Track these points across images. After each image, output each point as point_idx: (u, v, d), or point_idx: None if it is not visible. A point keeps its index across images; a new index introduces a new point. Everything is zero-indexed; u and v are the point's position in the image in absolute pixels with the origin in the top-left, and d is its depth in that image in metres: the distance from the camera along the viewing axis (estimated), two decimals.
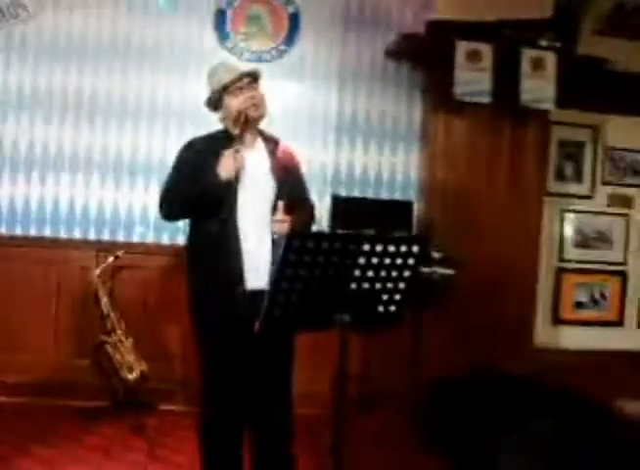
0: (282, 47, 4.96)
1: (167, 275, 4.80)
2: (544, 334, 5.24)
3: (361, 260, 2.72)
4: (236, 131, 3.24)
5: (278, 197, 3.24)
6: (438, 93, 4.83)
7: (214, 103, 3.34)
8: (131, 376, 4.51)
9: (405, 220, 4.79)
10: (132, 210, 4.91)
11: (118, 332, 4.53)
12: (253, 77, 3.31)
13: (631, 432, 3.94)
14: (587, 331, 5.37)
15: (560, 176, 5.36)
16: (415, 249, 2.80)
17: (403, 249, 2.79)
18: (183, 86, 4.89)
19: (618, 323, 5.44)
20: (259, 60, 4.90)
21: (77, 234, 4.90)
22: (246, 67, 3.41)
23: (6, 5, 4.83)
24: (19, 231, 4.89)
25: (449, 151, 4.88)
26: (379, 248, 2.74)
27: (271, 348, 3.27)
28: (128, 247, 4.71)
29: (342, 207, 4.81)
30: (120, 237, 4.91)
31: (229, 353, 3.24)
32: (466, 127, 4.87)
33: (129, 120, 4.89)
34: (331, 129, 4.98)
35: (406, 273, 2.82)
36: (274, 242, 3.23)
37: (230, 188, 3.16)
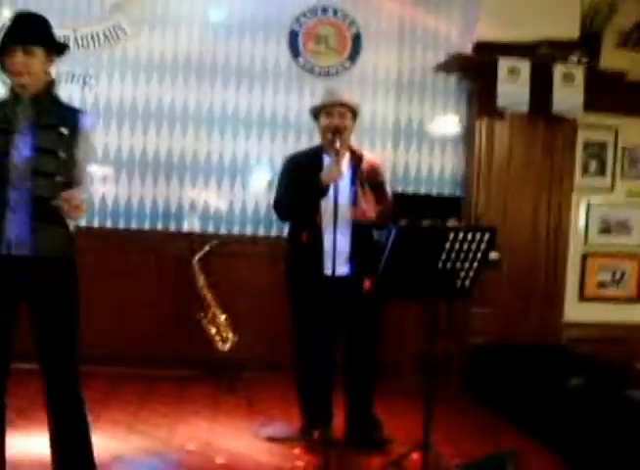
0: (346, 63, 5.72)
1: (256, 262, 5.60)
2: (572, 310, 5.96)
3: (447, 245, 3.52)
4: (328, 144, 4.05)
5: (355, 203, 4.04)
6: (482, 102, 5.59)
7: (313, 115, 4.16)
8: (225, 346, 5.33)
9: (455, 213, 5.53)
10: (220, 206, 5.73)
11: (214, 310, 5.35)
12: (348, 108, 4.06)
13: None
14: (609, 307, 6.06)
15: (585, 172, 5.99)
16: (486, 237, 3.61)
17: (478, 237, 3.59)
18: (262, 98, 5.64)
19: (636, 300, 6.13)
20: (327, 74, 5.68)
21: (173, 227, 5.72)
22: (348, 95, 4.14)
23: (108, 29, 5.60)
24: (132, 225, 5.69)
25: (491, 152, 5.65)
26: (460, 236, 3.54)
27: (359, 317, 4.10)
28: (220, 237, 5.52)
29: (400, 201, 5.56)
30: (213, 229, 5.70)
31: (314, 319, 4.07)
32: (506, 131, 5.64)
33: (216, 128, 5.65)
34: (389, 134, 5.73)
35: (479, 256, 3.63)
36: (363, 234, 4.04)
37: (326, 193, 3.96)
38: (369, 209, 4.08)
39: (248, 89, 5.66)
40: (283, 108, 5.67)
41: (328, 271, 3.89)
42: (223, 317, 5.32)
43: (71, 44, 5.49)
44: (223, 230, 5.70)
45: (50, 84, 3.04)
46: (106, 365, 5.19)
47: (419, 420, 3.67)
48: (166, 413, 4.60)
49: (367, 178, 4.11)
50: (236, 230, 5.74)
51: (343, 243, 3.98)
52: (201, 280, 5.32)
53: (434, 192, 5.80)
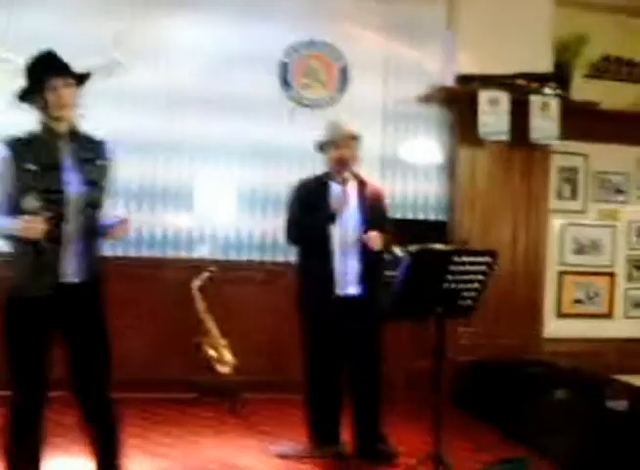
0: (334, 95, 6.01)
1: (253, 286, 5.82)
2: (550, 326, 6.29)
3: (452, 268, 3.79)
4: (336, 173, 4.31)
5: (364, 229, 4.29)
6: (464, 131, 5.93)
7: (321, 148, 4.40)
8: (225, 369, 5.50)
9: (440, 237, 5.79)
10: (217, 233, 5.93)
11: (214, 333, 5.53)
12: (352, 139, 4.34)
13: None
14: (584, 322, 6.43)
15: (559, 196, 6.38)
16: (488, 259, 3.88)
17: (479, 259, 3.86)
18: (254, 129, 5.84)
19: (609, 315, 6.53)
20: (316, 105, 5.95)
21: (176, 253, 5.90)
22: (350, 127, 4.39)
23: (104, 61, 5.76)
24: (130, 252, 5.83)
25: (473, 178, 5.98)
26: (464, 259, 3.81)
27: (364, 336, 4.34)
28: (218, 263, 5.71)
29: None
30: (212, 255, 5.89)
31: (325, 338, 4.30)
32: (486, 158, 5.98)
33: (210, 157, 5.86)
34: (376, 162, 5.98)
35: (480, 277, 3.90)
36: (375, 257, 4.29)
37: (336, 219, 4.21)
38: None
39: (241, 120, 5.86)
40: (275, 138, 5.88)
41: (338, 292, 4.17)
42: (223, 341, 5.50)
43: None
44: (220, 256, 5.89)
45: (77, 120, 3.20)
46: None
47: (416, 432, 3.87)
48: (175, 435, 4.75)
49: (372, 204, 4.37)
50: (233, 256, 5.93)
51: (353, 265, 4.22)
52: (200, 305, 5.51)
53: (420, 217, 6.08)
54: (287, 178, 5.47)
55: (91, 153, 3.15)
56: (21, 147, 3.04)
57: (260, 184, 5.93)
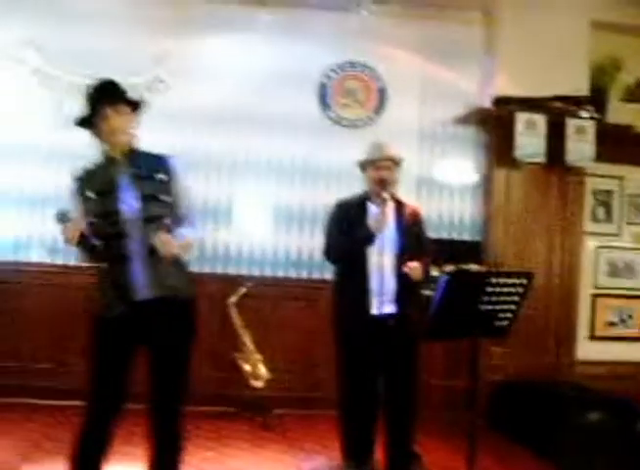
0: (372, 115, 6.11)
1: (288, 303, 5.92)
2: (583, 348, 6.29)
3: (489, 289, 3.83)
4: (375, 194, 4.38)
5: (401, 249, 4.36)
6: (500, 153, 5.98)
7: (362, 168, 4.48)
8: (258, 384, 5.58)
9: (475, 257, 5.87)
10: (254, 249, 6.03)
11: (249, 348, 5.61)
12: (393, 161, 4.42)
13: None
14: (617, 345, 6.41)
15: (594, 218, 6.39)
16: (524, 281, 3.92)
17: (516, 281, 3.91)
18: (294, 148, 5.98)
19: None
20: (354, 126, 6.06)
21: (212, 269, 5.99)
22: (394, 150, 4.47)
23: (148, 80, 5.92)
24: None
25: (508, 199, 6.02)
26: (501, 280, 3.86)
27: (400, 356, 4.39)
28: (254, 279, 5.82)
29: None
30: (249, 271, 6.00)
31: (360, 356, 4.35)
32: (522, 180, 6.02)
33: (250, 176, 5.99)
34: (413, 182, 6.06)
35: (516, 298, 3.94)
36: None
37: (374, 240, 4.27)
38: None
39: (280, 138, 5.98)
40: (313, 157, 6.00)
41: (374, 311, 4.24)
42: (258, 356, 5.59)
43: None
44: (257, 272, 5.98)
45: (134, 141, 3.29)
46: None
47: (449, 452, 3.90)
48: (211, 448, 4.83)
49: (409, 224, 4.44)
50: (269, 272, 6.02)
51: (390, 285, 4.28)
52: (237, 320, 5.60)
53: (455, 237, 6.13)
54: (324, 196, 5.59)
55: (149, 169, 3.24)
56: (84, 177, 3.28)
57: (298, 202, 6.02)
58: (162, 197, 3.22)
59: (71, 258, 5.65)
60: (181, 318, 3.28)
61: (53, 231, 5.63)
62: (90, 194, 3.19)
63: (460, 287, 3.78)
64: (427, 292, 4.92)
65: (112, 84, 3.30)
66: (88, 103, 3.26)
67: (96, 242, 3.13)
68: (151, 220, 3.17)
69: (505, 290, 3.89)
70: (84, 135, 5.66)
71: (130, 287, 3.16)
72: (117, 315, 3.17)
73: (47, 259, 5.84)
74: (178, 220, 3.27)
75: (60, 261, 5.80)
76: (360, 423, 4.42)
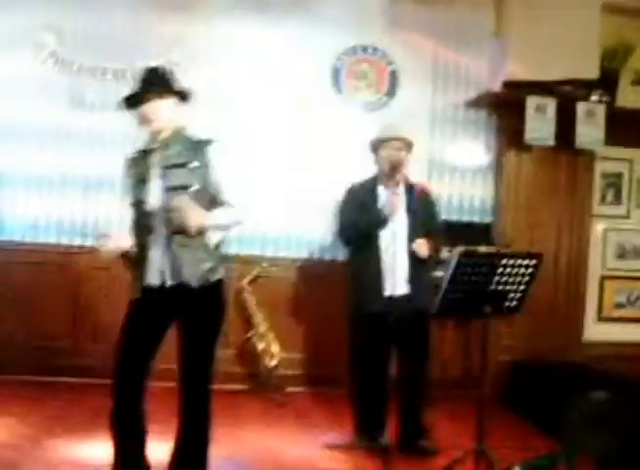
0: (384, 98, 6.18)
1: (300, 283, 6.03)
2: (590, 330, 6.39)
3: (499, 270, 3.93)
4: (386, 175, 4.47)
5: (412, 230, 4.45)
6: (510, 136, 6.06)
7: (372, 148, 4.55)
8: (272, 362, 5.71)
9: (485, 239, 5.95)
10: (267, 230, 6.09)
11: (262, 328, 5.74)
12: (405, 142, 4.49)
13: None
14: (625, 326, 6.49)
15: (603, 201, 6.45)
16: (533, 262, 4.01)
17: (526, 262, 4.00)
18: (307, 130, 6.03)
19: None
20: (367, 109, 6.13)
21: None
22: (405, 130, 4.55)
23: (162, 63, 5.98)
24: None
25: (518, 182, 6.11)
26: (511, 261, 3.95)
27: (412, 334, 4.49)
28: (266, 260, 5.94)
29: None
30: (262, 252, 6.08)
31: (373, 335, 4.46)
32: (532, 163, 6.11)
33: (264, 157, 6.02)
34: (424, 165, 6.13)
35: (526, 279, 4.03)
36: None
37: (388, 223, 4.36)
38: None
39: (295, 121, 6.03)
40: (326, 139, 6.04)
41: (387, 292, 4.33)
42: (271, 335, 5.71)
43: (128, 77, 5.92)
44: (270, 253, 6.08)
45: (180, 129, 3.38)
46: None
47: (459, 429, 4.00)
48: (227, 424, 4.94)
49: (420, 205, 4.52)
50: (282, 253, 6.12)
51: (402, 266, 4.38)
52: (250, 300, 5.72)
53: (465, 219, 6.21)
54: (337, 178, 5.64)
55: (183, 158, 3.28)
56: (129, 163, 3.42)
57: (309, 184, 6.07)
58: (193, 185, 3.24)
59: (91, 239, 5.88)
60: (208, 300, 3.36)
61: (71, 213, 5.89)
62: (130, 180, 3.34)
63: (470, 266, 3.88)
64: (438, 273, 5.05)
65: (154, 71, 3.38)
66: (134, 88, 3.36)
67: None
68: (174, 209, 3.21)
69: (515, 271, 3.99)
70: (99, 118, 5.84)
71: (158, 272, 3.27)
72: (145, 298, 3.31)
73: (65, 241, 5.95)
74: (213, 206, 3.31)
75: (78, 242, 5.93)
76: (372, 399, 4.54)
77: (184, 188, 3.23)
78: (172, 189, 3.23)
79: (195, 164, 3.27)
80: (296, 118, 6.05)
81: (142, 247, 3.29)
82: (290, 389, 5.81)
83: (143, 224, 3.27)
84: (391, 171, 4.40)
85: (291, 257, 6.12)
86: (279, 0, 6.02)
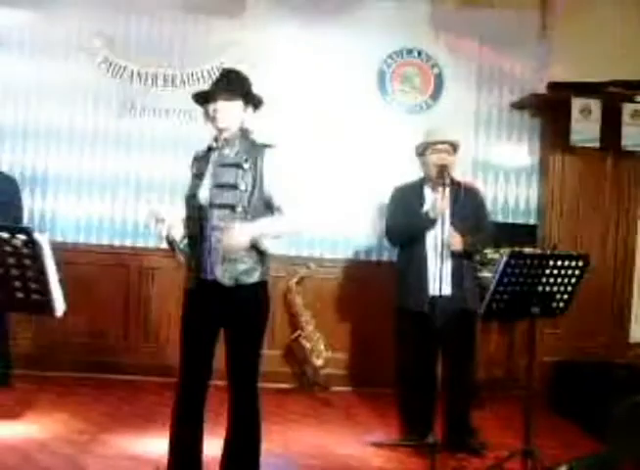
0: (429, 101, 6.23)
1: (345, 285, 6.12)
2: (637, 330, 6.39)
3: (547, 271, 3.97)
4: (434, 178, 4.53)
5: (459, 232, 4.50)
6: (555, 137, 6.07)
7: (420, 152, 4.62)
8: (319, 362, 5.81)
9: (530, 240, 5.97)
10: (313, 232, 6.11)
11: (309, 327, 5.84)
12: (452, 146, 4.55)
13: None
14: None
15: None
16: (581, 263, 4.05)
17: (574, 263, 4.03)
18: (355, 133, 6.11)
19: None
20: (412, 112, 6.18)
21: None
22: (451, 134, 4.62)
23: (211, 68, 6.12)
24: None
25: (563, 183, 6.12)
26: (559, 262, 3.99)
27: (457, 335, 4.55)
28: (314, 260, 6.03)
29: None
30: (309, 254, 6.16)
31: (420, 335, 4.53)
32: (577, 164, 6.11)
33: (311, 159, 6.06)
34: (468, 166, 6.13)
35: (573, 280, 4.07)
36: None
37: (435, 224, 4.43)
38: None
39: (342, 125, 6.10)
40: (373, 142, 6.12)
41: (433, 292, 4.40)
42: (318, 334, 5.80)
43: (178, 82, 6.08)
44: (317, 254, 6.16)
45: (244, 132, 3.43)
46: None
47: (505, 429, 4.02)
48: (276, 422, 5.04)
49: (469, 206, 4.58)
50: (328, 254, 6.20)
51: (447, 267, 4.41)
52: (298, 300, 5.82)
53: (510, 220, 6.23)
54: (382, 181, 5.72)
55: (238, 158, 3.35)
56: (195, 158, 3.50)
57: (355, 186, 6.14)
58: (242, 186, 3.30)
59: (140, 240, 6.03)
60: (251, 300, 3.39)
61: (122, 214, 6.05)
62: (191, 175, 3.45)
63: (518, 268, 3.93)
64: (485, 274, 5.11)
65: (231, 73, 3.46)
66: (209, 86, 3.49)
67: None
68: (221, 207, 3.29)
69: (563, 272, 4.03)
70: (148, 122, 6.00)
71: (200, 267, 3.33)
72: (192, 288, 3.39)
73: (117, 242, 6.12)
74: (263, 210, 3.36)
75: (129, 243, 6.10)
76: (418, 399, 4.60)
77: (233, 187, 3.30)
78: (220, 186, 3.32)
79: (248, 165, 3.34)
80: (342, 122, 6.11)
81: (193, 239, 3.37)
82: (335, 388, 5.89)
83: (193, 218, 3.35)
84: (440, 175, 4.45)
85: (337, 258, 6.20)
86: (325, 5, 6.11)
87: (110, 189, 6.11)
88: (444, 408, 4.61)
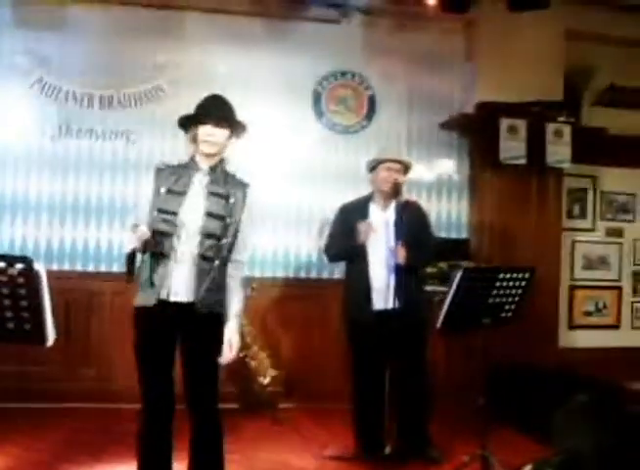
0: (363, 122, 6.42)
1: (288, 303, 6.20)
2: (563, 336, 6.72)
3: (497, 283, 4.18)
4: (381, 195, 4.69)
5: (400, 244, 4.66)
6: (483, 155, 6.36)
7: (370, 168, 4.77)
8: (265, 380, 5.85)
9: (463, 254, 6.23)
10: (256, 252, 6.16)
11: (255, 347, 5.88)
12: (403, 165, 4.73)
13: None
14: (593, 333, 6.89)
15: (570, 215, 6.86)
16: (527, 275, 4.29)
17: (521, 275, 4.27)
18: (290, 154, 6.24)
19: (616, 326, 7.00)
20: (346, 132, 6.36)
21: None
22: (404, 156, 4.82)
23: (149, 89, 6.12)
24: None
25: (492, 199, 6.41)
26: (508, 275, 4.21)
27: (406, 347, 4.69)
28: (257, 281, 6.05)
29: None
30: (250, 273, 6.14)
31: (367, 350, 4.66)
32: (505, 180, 6.38)
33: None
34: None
35: (520, 291, 4.30)
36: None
37: (364, 246, 4.59)
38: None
39: (278, 145, 6.23)
40: (309, 162, 6.28)
41: (377, 306, 4.54)
42: (263, 353, 5.85)
43: (115, 103, 6.04)
44: (257, 274, 6.19)
45: (223, 160, 3.50)
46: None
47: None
48: (232, 442, 5.03)
49: (411, 221, 4.67)
50: (269, 274, 6.28)
51: (390, 281, 4.46)
52: (242, 320, 5.84)
53: (444, 235, 6.46)
54: (321, 199, 5.86)
55: (225, 190, 3.40)
56: (164, 172, 3.44)
57: (296, 205, 6.27)
58: (228, 219, 3.36)
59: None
60: (211, 327, 3.41)
61: (59, 237, 5.95)
62: (162, 189, 3.36)
63: (472, 281, 4.13)
64: (429, 287, 5.30)
65: (218, 99, 3.52)
66: (195, 110, 3.49)
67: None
68: (208, 236, 3.33)
69: (511, 283, 4.26)
70: (82, 144, 5.93)
71: (163, 285, 3.32)
72: (148, 306, 3.32)
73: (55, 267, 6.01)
74: (234, 249, 3.43)
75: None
76: (370, 413, 4.68)
77: (221, 218, 3.36)
78: (211, 215, 3.35)
79: (232, 199, 3.40)
80: (279, 142, 6.23)
81: (159, 256, 3.31)
82: (283, 405, 5.94)
83: (166, 234, 3.30)
84: (393, 192, 4.61)
85: (278, 276, 6.29)
86: (261, 28, 6.21)
87: (45, 212, 6.00)
88: (398, 420, 4.74)
